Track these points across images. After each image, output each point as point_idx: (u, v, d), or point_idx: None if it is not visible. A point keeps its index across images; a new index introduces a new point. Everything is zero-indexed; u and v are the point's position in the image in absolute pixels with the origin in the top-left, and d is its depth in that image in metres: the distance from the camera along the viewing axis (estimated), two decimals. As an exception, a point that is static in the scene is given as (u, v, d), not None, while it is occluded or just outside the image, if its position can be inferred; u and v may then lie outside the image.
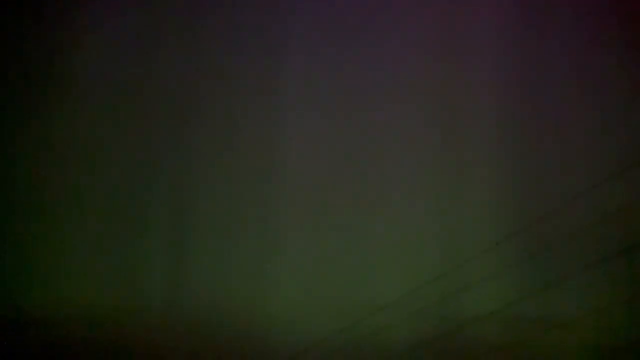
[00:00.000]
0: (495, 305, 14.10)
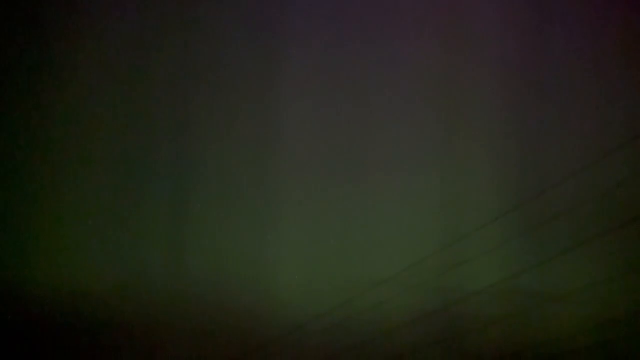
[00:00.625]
0: (493, 278, 14.26)
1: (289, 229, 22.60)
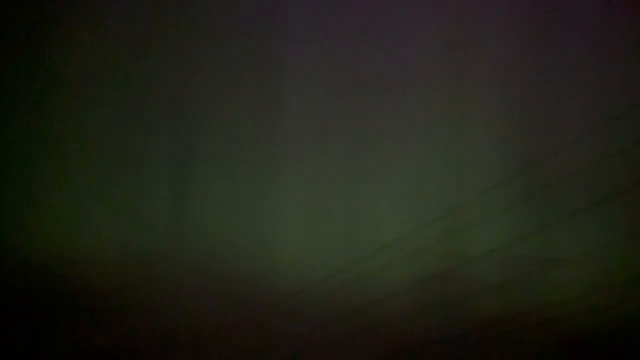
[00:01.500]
0: (495, 244, 14.33)
1: (292, 194, 22.60)
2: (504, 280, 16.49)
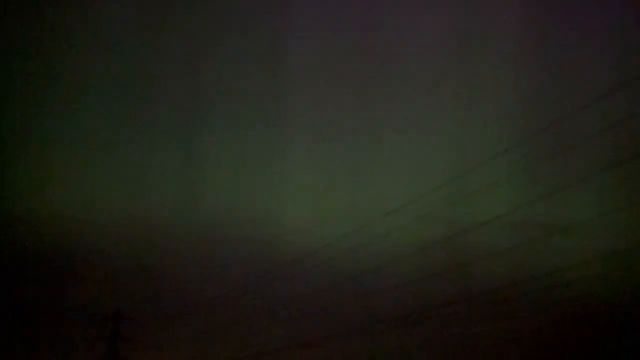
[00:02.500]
0: (501, 209, 14.46)
1: (301, 158, 22.69)
2: (509, 246, 16.65)
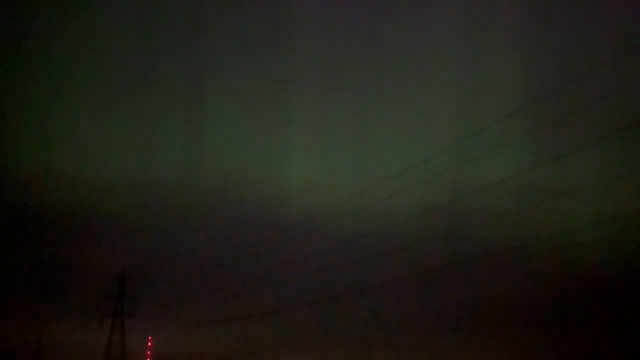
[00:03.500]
0: (505, 174, 14.42)
1: (304, 121, 22.63)
2: (512, 210, 16.64)
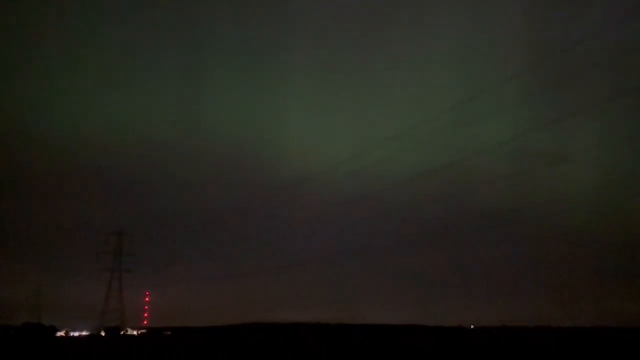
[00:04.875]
0: (502, 137, 14.58)
1: (303, 82, 22.80)
2: (510, 173, 16.83)
